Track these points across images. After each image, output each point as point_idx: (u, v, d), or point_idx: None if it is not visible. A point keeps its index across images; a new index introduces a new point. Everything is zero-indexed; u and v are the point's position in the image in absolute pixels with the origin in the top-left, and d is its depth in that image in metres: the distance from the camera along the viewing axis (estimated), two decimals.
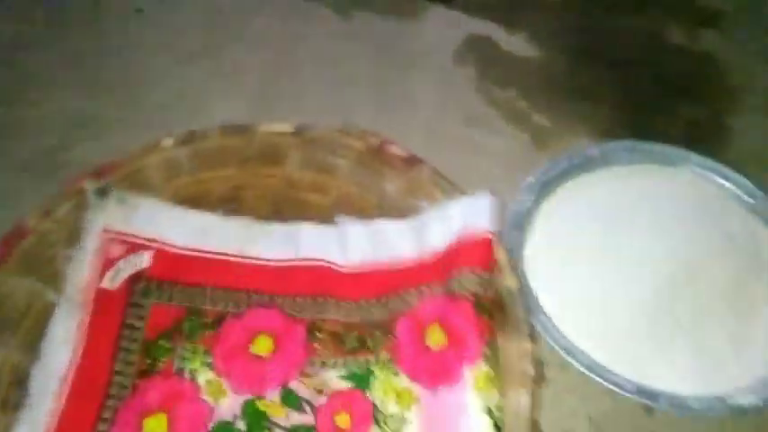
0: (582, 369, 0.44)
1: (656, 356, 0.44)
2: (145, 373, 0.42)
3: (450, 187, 0.49)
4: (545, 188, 0.53)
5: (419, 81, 0.65)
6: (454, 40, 0.69)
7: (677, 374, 0.43)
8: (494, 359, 0.39)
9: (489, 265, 0.42)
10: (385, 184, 0.50)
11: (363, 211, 0.50)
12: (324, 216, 0.50)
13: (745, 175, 0.54)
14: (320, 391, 0.42)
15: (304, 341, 0.43)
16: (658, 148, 0.56)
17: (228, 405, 0.41)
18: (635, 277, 0.48)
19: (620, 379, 0.43)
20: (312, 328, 0.44)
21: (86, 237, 0.46)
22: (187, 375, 0.42)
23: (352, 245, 0.47)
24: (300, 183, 0.52)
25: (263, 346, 0.42)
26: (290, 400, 0.41)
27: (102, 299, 0.44)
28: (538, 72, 0.66)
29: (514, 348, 0.41)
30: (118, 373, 0.42)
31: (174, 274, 0.46)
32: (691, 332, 0.45)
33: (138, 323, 0.44)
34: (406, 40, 0.70)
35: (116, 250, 0.46)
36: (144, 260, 0.46)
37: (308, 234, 0.48)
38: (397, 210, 0.50)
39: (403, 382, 0.41)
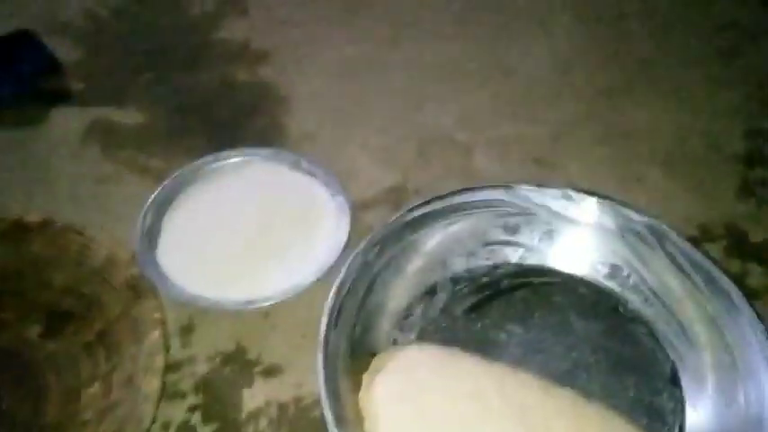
0: (212, 308, 0.64)
1: (258, 279, 0.67)
2: None
3: (88, 232, 0.67)
4: (161, 206, 0.73)
5: (56, 166, 0.81)
6: (79, 128, 0.86)
7: (271, 287, 0.66)
8: None
9: None
10: (31, 246, 0.66)
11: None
12: None
13: (298, 151, 0.80)
14: None
15: None
16: (234, 153, 0.79)
17: None
18: (236, 235, 0.70)
19: (235, 302, 0.64)
20: None
21: None
22: None
23: None
24: None
25: None
26: None
27: None
28: (147, 131, 0.86)
29: (148, 306, 0.60)
30: None
31: None
32: (278, 258, 0.69)
33: None
34: (35, 141, 0.85)
35: None
36: None
37: None
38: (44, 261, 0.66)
39: None
